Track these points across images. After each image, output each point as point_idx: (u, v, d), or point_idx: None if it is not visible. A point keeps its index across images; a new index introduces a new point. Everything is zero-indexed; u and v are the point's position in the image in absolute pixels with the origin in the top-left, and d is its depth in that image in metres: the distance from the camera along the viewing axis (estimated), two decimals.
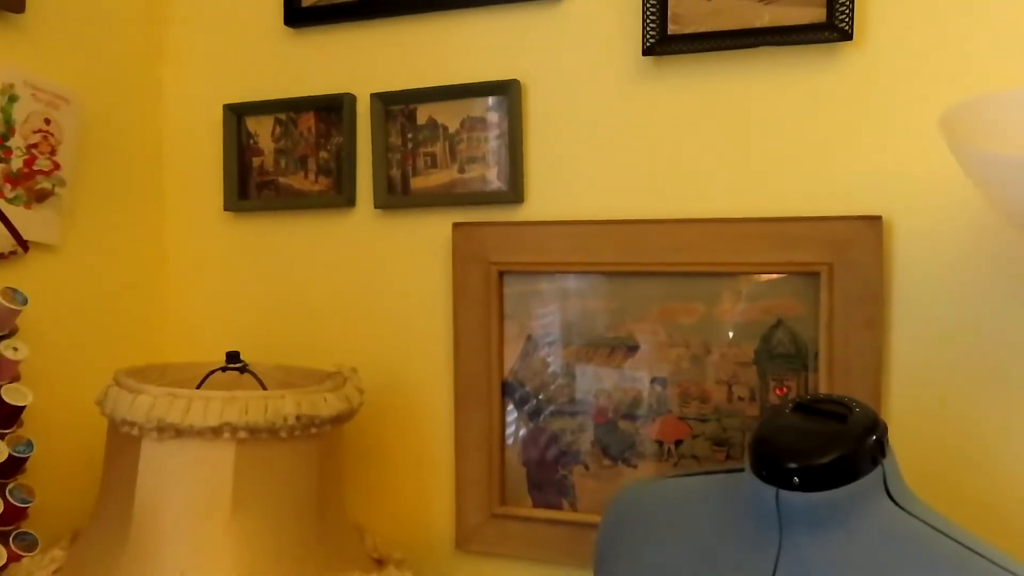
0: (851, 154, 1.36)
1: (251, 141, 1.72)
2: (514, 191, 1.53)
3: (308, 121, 1.67)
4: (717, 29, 1.41)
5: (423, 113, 1.59)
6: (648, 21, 1.43)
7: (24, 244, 1.46)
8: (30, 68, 1.46)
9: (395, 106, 1.60)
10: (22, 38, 1.46)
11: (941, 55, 1.31)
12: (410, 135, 1.60)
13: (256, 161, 1.72)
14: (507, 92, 1.52)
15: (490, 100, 1.54)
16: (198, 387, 1.43)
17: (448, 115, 1.57)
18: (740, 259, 1.40)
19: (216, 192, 1.75)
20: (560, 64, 1.51)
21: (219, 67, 1.74)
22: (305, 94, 1.67)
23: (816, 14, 1.35)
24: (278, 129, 1.70)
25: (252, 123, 1.71)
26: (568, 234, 1.49)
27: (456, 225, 1.55)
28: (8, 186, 1.42)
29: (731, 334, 1.42)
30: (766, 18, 1.38)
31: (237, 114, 1.71)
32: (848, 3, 1.32)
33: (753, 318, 1.41)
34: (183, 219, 1.78)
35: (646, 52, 1.43)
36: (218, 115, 1.73)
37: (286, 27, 1.67)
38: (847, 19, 1.33)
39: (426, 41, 1.59)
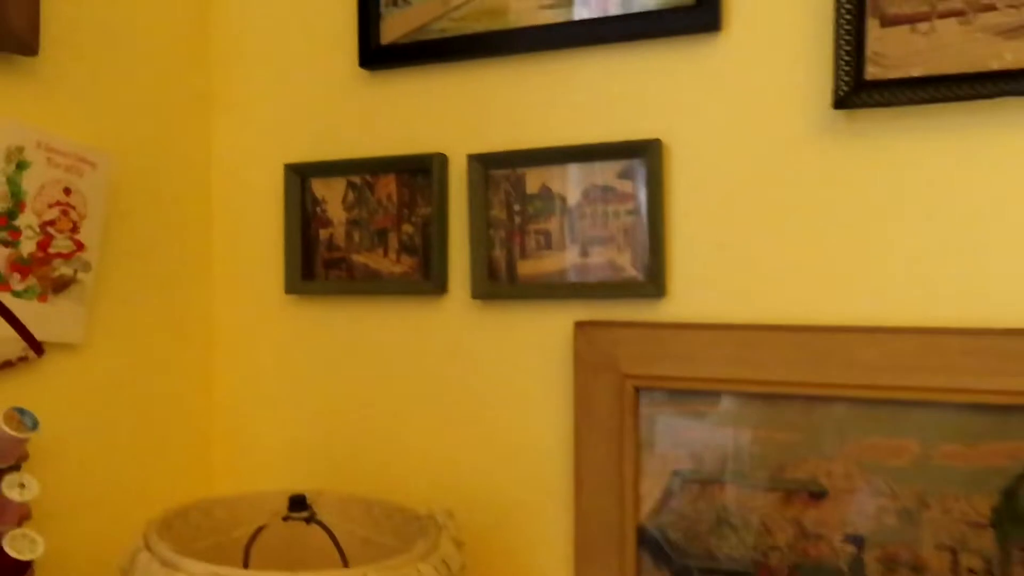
0: None
1: (318, 209, 1.40)
2: (654, 282, 1.18)
3: (388, 186, 1.35)
4: (934, 73, 1.05)
5: (535, 180, 1.25)
6: (841, 63, 1.08)
7: (38, 347, 1.17)
8: (45, 125, 1.17)
9: (499, 170, 1.27)
10: (35, 88, 1.17)
11: None
12: (518, 207, 1.27)
13: (324, 234, 1.40)
14: (645, 155, 1.18)
15: (623, 165, 1.20)
16: (251, 542, 1.11)
17: (567, 183, 1.24)
18: (973, 383, 1.03)
19: (275, 272, 1.44)
20: (715, 119, 1.16)
21: (279, 118, 1.43)
22: (385, 153, 1.35)
23: None
24: (351, 195, 1.38)
25: (319, 187, 1.40)
26: (727, 341, 1.14)
27: (579, 325, 1.21)
28: (16, 276, 1.13)
29: (958, 484, 1.05)
30: (1007, 58, 1.03)
31: (301, 176, 1.40)
32: None
33: (992, 463, 1.04)
34: (234, 306, 1.47)
35: (837, 104, 1.08)
36: (278, 177, 1.42)
37: (362, 70, 1.36)
38: None
39: (539, 89, 1.26)
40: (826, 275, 1.12)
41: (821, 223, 1.12)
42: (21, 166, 1.09)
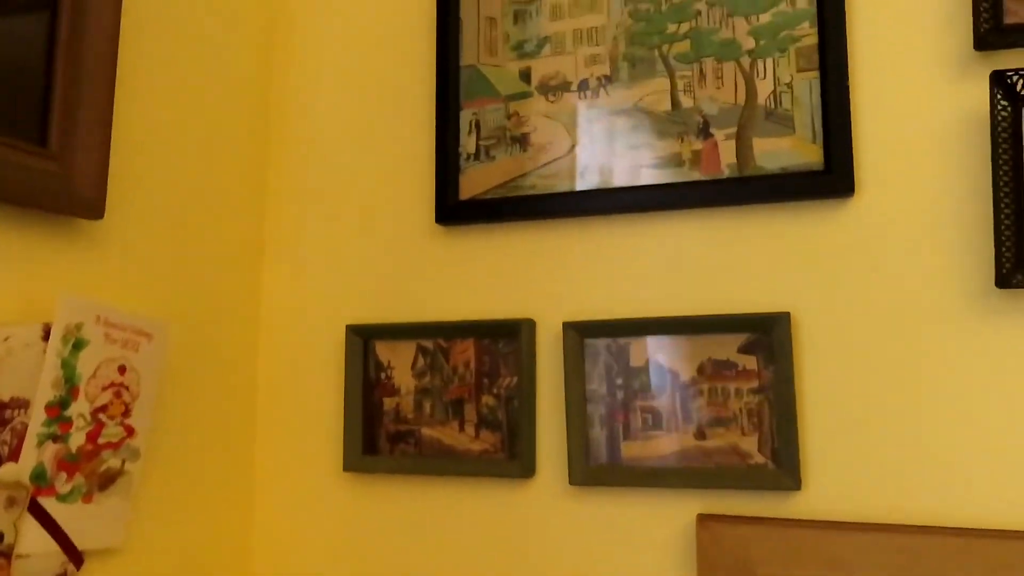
0: None
1: (383, 375, 1.25)
2: (788, 471, 1.04)
3: (466, 352, 1.21)
4: None
5: (640, 351, 1.13)
6: (1002, 235, 0.98)
7: (78, 559, 0.97)
8: (107, 298, 1.02)
9: (598, 339, 1.14)
10: (97, 253, 1.02)
11: None
12: (620, 381, 1.13)
13: (389, 403, 1.25)
14: (772, 329, 1.06)
15: (745, 338, 1.08)
16: None
17: (679, 356, 1.11)
18: None
19: (332, 446, 1.27)
20: (851, 291, 1.06)
21: (341, 274, 1.30)
22: (462, 316, 1.22)
23: None
24: (422, 360, 1.24)
25: (385, 351, 1.25)
26: (881, 545, 0.99)
27: (702, 519, 1.05)
28: (63, 475, 0.95)
29: None
30: None
31: (364, 338, 1.26)
32: None
33: None
34: (283, 489, 1.29)
35: (1000, 282, 0.98)
36: (339, 338, 1.28)
37: (438, 225, 1.24)
38: None
39: (644, 252, 1.15)
40: (992, 469, 0.99)
41: (981, 409, 1.00)
42: (78, 345, 0.93)
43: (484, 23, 1.25)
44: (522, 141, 1.21)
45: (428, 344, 1.23)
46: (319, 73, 1.34)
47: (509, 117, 1.22)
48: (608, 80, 1.18)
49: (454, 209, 1.23)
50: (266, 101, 1.35)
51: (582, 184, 1.17)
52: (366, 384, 1.26)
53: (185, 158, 1.18)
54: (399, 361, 1.25)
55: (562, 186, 1.18)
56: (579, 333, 1.15)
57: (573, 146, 1.18)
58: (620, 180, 1.15)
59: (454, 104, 1.24)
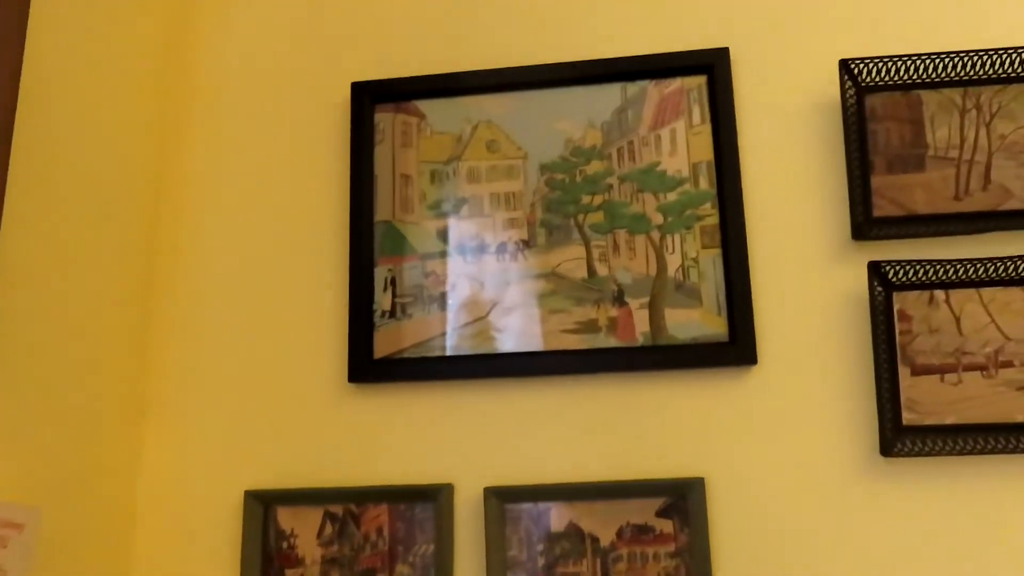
0: None
1: (284, 544, 1.17)
2: None
3: (379, 518, 1.17)
4: (966, 422, 1.10)
5: (560, 516, 1.13)
6: (884, 407, 1.10)
7: None
8: None
9: (520, 504, 1.14)
10: None
11: None
12: (541, 547, 1.13)
13: (291, 575, 1.16)
14: (688, 493, 1.11)
15: (662, 502, 1.12)
16: None
17: (599, 521, 1.13)
18: None
19: None
20: (757, 456, 1.13)
21: (241, 434, 1.22)
22: (376, 481, 1.18)
23: None
24: (330, 528, 1.17)
25: (288, 518, 1.18)
26: None
27: None
28: None
29: None
30: None
31: (265, 504, 1.18)
32: None
33: None
34: None
35: (884, 451, 1.09)
36: (235, 505, 1.19)
37: (350, 384, 1.20)
38: None
39: (563, 416, 1.17)
40: None
41: (873, 572, 1.08)
42: None
43: (399, 180, 1.25)
44: (440, 300, 1.21)
45: (337, 510, 1.17)
46: (216, 218, 1.28)
47: (427, 275, 1.22)
48: (526, 244, 1.21)
49: (368, 367, 1.19)
50: (153, 247, 1.27)
51: (501, 346, 1.18)
52: (265, 555, 1.17)
53: (62, 309, 1.08)
54: (304, 529, 1.17)
55: (482, 347, 1.19)
56: (500, 499, 1.14)
57: (492, 308, 1.20)
58: (539, 344, 1.18)
59: (368, 260, 1.23)
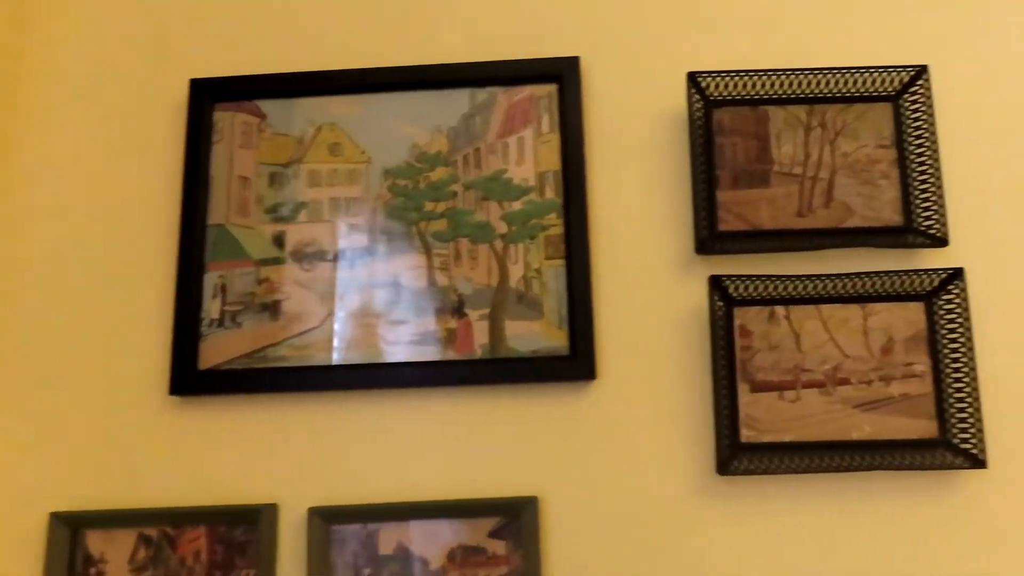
0: None
1: (92, 571, 1.08)
2: None
3: (197, 541, 1.09)
4: (803, 440, 1.08)
5: (390, 538, 1.07)
6: (722, 424, 1.07)
7: None
8: None
9: (346, 525, 1.07)
10: None
11: None
12: (369, 571, 1.07)
13: None
14: (521, 513, 1.06)
15: (496, 523, 1.07)
16: None
17: (430, 542, 1.07)
18: None
19: None
20: (596, 472, 1.09)
21: (47, 451, 1.12)
22: (196, 501, 1.10)
23: (928, 428, 1.08)
24: (143, 552, 1.09)
25: (97, 541, 1.09)
26: None
27: None
28: None
29: None
30: (866, 430, 1.08)
31: (72, 527, 1.09)
32: (974, 422, 1.06)
33: None
34: None
35: (721, 469, 1.06)
36: (39, 528, 1.09)
37: (172, 397, 1.13)
38: (974, 441, 1.06)
39: (399, 432, 1.11)
40: None
41: None
42: None
43: (236, 182, 1.19)
44: (273, 309, 1.15)
45: (152, 533, 1.09)
46: (41, 215, 1.20)
47: (260, 282, 1.16)
48: (366, 252, 1.16)
49: (192, 379, 1.12)
50: None
51: (336, 358, 1.12)
52: None
53: None
54: (115, 554, 1.09)
55: (315, 359, 1.13)
56: (325, 519, 1.07)
57: (328, 317, 1.14)
58: (375, 355, 1.12)
59: (198, 265, 1.16)
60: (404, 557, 1.07)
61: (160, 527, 1.09)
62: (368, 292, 1.15)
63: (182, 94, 1.23)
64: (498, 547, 1.06)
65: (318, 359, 1.12)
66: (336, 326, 1.13)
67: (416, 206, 1.17)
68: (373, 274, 1.15)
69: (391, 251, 1.16)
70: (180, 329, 1.13)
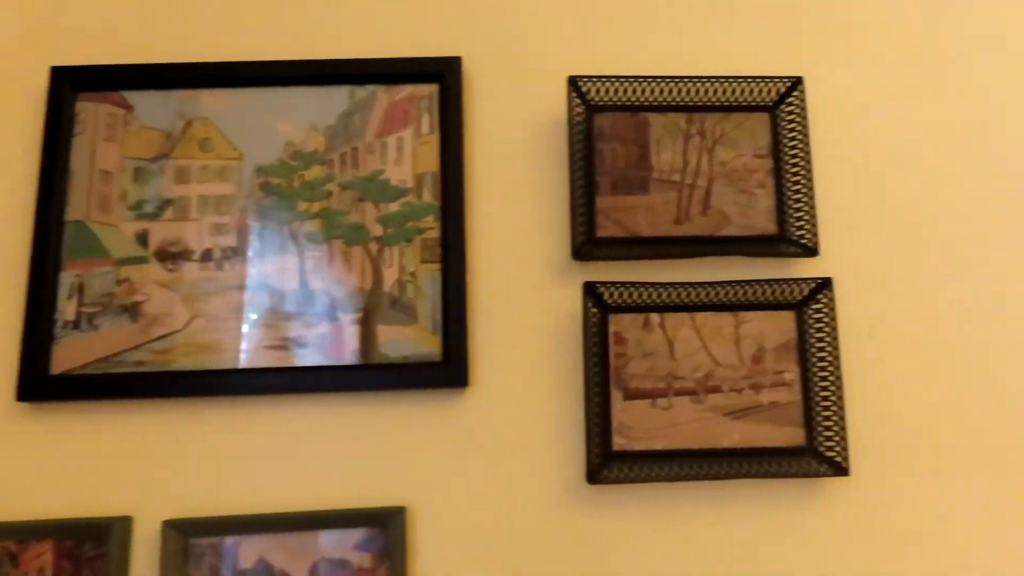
0: None
1: None
2: None
3: (42, 557, 1.02)
4: (675, 448, 1.08)
5: (250, 551, 1.03)
6: (592, 433, 1.06)
7: None
8: None
9: (204, 539, 1.03)
10: None
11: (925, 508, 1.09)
12: None
13: None
14: (388, 524, 1.04)
15: (361, 535, 1.04)
16: None
17: (292, 556, 1.03)
18: None
19: None
20: (467, 481, 1.07)
21: None
22: (41, 515, 1.04)
23: (795, 435, 1.09)
24: None
25: None
26: None
27: None
28: None
29: None
30: (736, 438, 1.09)
31: None
32: (839, 430, 1.08)
33: None
34: None
35: (590, 478, 1.05)
36: None
37: (19, 403, 1.06)
38: (838, 448, 1.07)
39: (258, 441, 1.07)
40: None
41: None
42: None
43: (98, 176, 1.13)
44: (133, 311, 1.09)
45: None
46: None
47: (120, 283, 1.10)
48: (234, 252, 1.12)
49: (41, 384, 1.06)
50: None
51: (198, 363, 1.08)
52: None
53: None
54: None
55: (176, 364, 1.08)
56: (182, 533, 1.02)
57: (190, 320, 1.09)
58: (240, 361, 1.08)
59: (53, 263, 1.09)
60: (265, 571, 1.03)
61: (2, 543, 1.02)
62: (235, 294, 1.10)
63: (43, 82, 1.16)
64: (364, 560, 1.03)
65: (180, 364, 1.07)
66: (199, 329, 1.09)
67: (289, 206, 1.13)
68: (241, 276, 1.11)
69: (262, 252, 1.12)
70: (31, 331, 1.06)
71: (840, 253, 1.16)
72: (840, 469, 1.07)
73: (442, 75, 1.16)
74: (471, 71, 1.19)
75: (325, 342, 1.09)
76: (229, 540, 1.03)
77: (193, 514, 1.04)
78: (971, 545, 1.08)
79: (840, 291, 1.15)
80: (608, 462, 1.07)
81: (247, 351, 1.08)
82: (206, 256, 1.11)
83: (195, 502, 1.04)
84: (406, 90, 1.17)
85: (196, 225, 1.12)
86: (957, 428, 1.11)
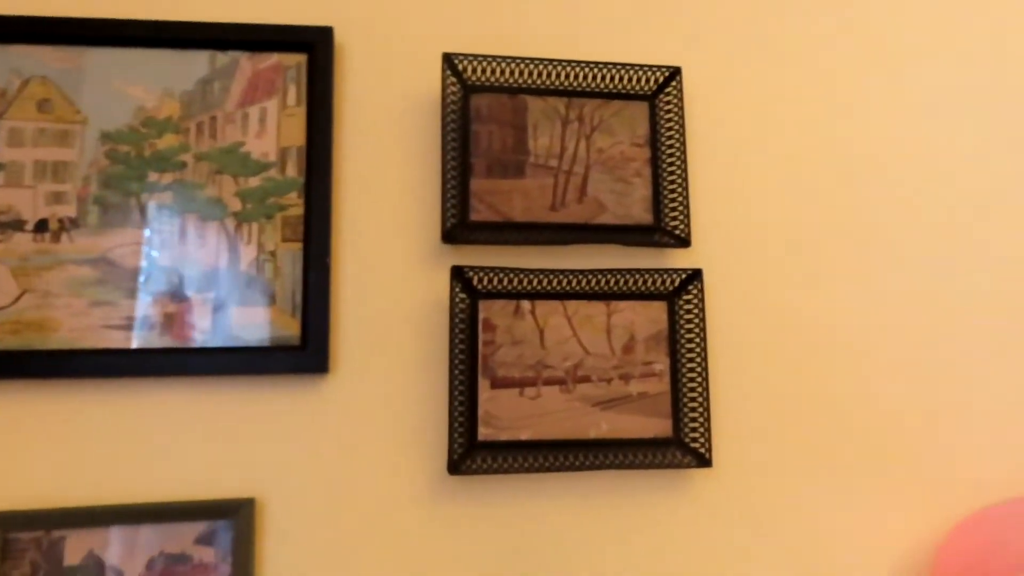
0: None
1: None
2: None
3: None
4: (542, 438, 1.06)
5: (77, 546, 0.95)
6: (455, 425, 1.03)
7: None
8: None
9: (23, 532, 0.94)
10: None
11: (785, 495, 1.11)
12: None
13: None
14: (234, 516, 0.97)
15: (204, 528, 0.97)
16: None
17: (126, 551, 0.96)
18: None
19: None
20: (324, 472, 1.02)
21: None
22: None
23: (662, 427, 1.08)
24: None
25: None
26: None
27: None
28: None
29: None
30: (604, 428, 1.07)
31: None
32: (703, 422, 1.07)
33: None
34: None
35: (452, 469, 1.01)
36: None
37: None
38: (703, 440, 1.07)
39: (92, 427, 0.99)
40: None
41: None
42: None
43: None
44: None
45: None
46: None
47: None
48: (73, 223, 1.03)
49: None
50: None
51: (26, 343, 0.98)
52: None
53: None
54: None
55: (2, 343, 0.98)
56: (1, 527, 0.93)
57: (20, 296, 1.00)
58: (76, 340, 0.99)
59: None
60: (95, 567, 0.94)
61: None
62: (73, 269, 1.01)
63: None
64: (205, 554, 0.97)
65: (5, 344, 0.98)
66: (30, 306, 0.99)
67: (138, 175, 1.05)
68: (81, 249, 1.02)
69: (104, 224, 1.03)
70: None
71: (711, 245, 1.16)
72: (704, 460, 1.06)
73: (312, 45, 1.10)
74: (343, 42, 1.13)
75: (172, 323, 1.02)
76: (54, 534, 0.94)
77: (13, 506, 0.95)
78: (830, 537, 1.10)
79: (710, 283, 1.15)
80: (472, 452, 1.03)
81: (84, 330, 1.00)
82: (40, 226, 1.02)
83: (15, 493, 0.95)
84: (272, 59, 1.10)
85: (30, 193, 1.03)
86: (819, 422, 1.13)
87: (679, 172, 1.14)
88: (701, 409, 1.08)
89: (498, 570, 1.02)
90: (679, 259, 1.14)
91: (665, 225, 1.13)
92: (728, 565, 1.07)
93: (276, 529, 0.99)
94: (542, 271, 1.08)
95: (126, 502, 0.96)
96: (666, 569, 1.05)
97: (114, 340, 1.00)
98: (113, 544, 0.95)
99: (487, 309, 1.08)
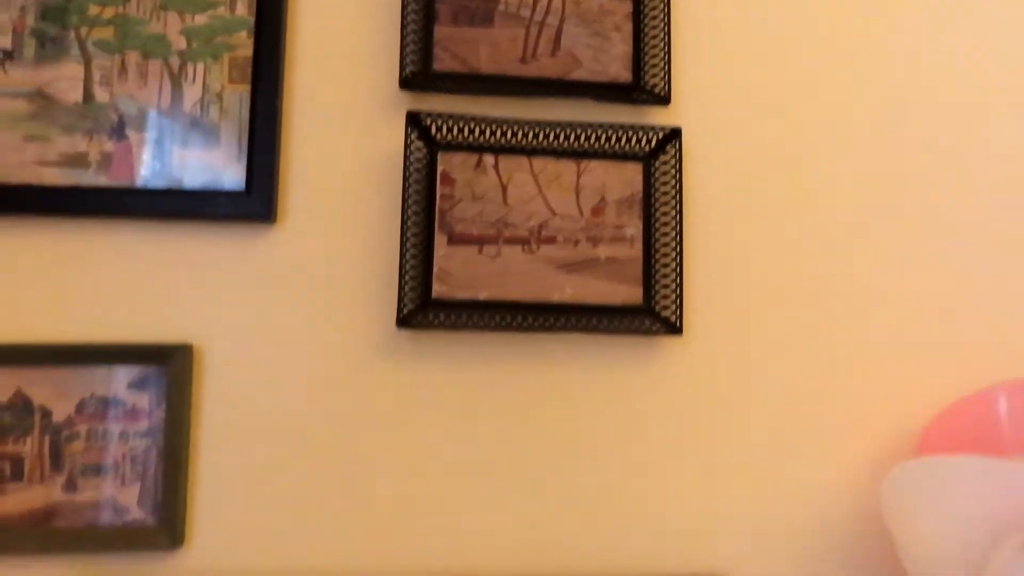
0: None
1: None
2: (167, 527, 0.90)
3: None
4: (501, 299, 0.99)
5: (6, 383, 0.91)
6: (407, 279, 0.97)
7: None
8: None
9: None
10: None
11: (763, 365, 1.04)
12: None
13: None
14: (169, 362, 0.93)
15: (138, 373, 0.93)
16: None
17: (55, 391, 0.92)
18: None
19: None
20: (265, 323, 0.97)
21: None
22: None
23: (632, 293, 1.01)
24: None
25: None
26: None
27: None
28: None
29: None
30: (568, 291, 1.01)
31: None
32: (675, 289, 1.00)
33: None
34: None
35: (401, 323, 0.96)
36: None
37: None
38: (673, 308, 1.00)
39: (30, 262, 0.94)
40: (384, 515, 0.95)
41: (383, 447, 0.96)
42: None
43: None
44: None
45: None
46: None
47: None
48: (8, 56, 0.97)
49: None
50: None
51: None
52: None
53: None
54: None
55: None
56: None
57: None
58: (8, 176, 0.94)
59: None
60: (21, 406, 0.91)
61: None
62: (7, 102, 0.96)
63: None
64: (139, 400, 0.92)
65: None
66: None
67: (78, 8, 0.99)
68: (15, 81, 0.97)
69: (41, 57, 0.97)
70: None
71: (693, 106, 1.07)
72: (674, 328, 1.00)
73: None
74: None
75: (110, 162, 0.96)
76: None
77: None
78: (804, 411, 1.03)
79: (689, 145, 1.07)
80: (424, 310, 0.97)
81: (16, 166, 0.95)
82: None
83: None
84: None
85: None
86: (798, 298, 1.05)
87: (662, 28, 1.06)
88: (674, 275, 1.01)
89: (450, 425, 0.97)
90: (657, 118, 1.06)
91: (644, 83, 1.05)
92: (695, 434, 1.01)
93: (215, 378, 0.94)
94: (507, 121, 1.01)
95: (57, 341, 0.92)
96: (631, 436, 1.00)
97: (48, 177, 0.95)
98: (42, 383, 0.91)
99: (446, 162, 1.01)
